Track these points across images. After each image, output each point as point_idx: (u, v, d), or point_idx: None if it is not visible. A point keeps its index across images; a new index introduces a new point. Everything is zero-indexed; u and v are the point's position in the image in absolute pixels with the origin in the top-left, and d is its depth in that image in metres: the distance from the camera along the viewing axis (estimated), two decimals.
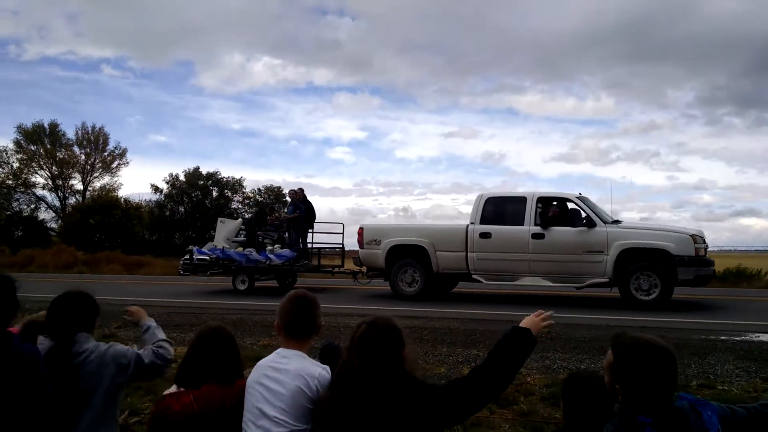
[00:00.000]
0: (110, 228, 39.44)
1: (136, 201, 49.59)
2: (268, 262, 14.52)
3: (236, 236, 16.04)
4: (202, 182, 52.30)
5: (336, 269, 16.22)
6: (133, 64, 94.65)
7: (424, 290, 12.62)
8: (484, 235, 12.01)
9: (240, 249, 15.02)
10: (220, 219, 16.46)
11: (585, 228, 11.26)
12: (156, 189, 51.67)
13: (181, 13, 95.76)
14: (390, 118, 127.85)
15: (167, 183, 51.81)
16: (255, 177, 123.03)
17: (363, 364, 2.15)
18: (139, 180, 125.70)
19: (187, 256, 15.58)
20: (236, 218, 16.17)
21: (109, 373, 2.57)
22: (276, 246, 15.37)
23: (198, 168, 52.75)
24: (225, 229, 15.94)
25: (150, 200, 51.53)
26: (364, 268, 14.07)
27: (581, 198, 11.83)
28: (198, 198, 51.86)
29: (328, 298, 11.93)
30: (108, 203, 42.49)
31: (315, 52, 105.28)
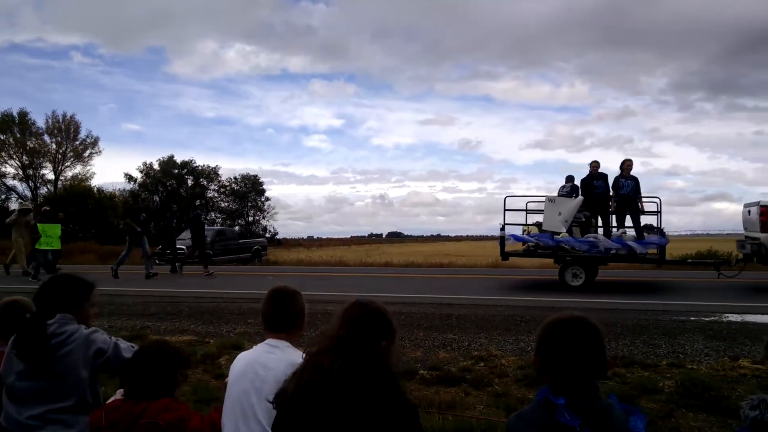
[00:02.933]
0: (83, 218, 38.85)
1: (110, 190, 48.91)
2: (626, 251, 11.61)
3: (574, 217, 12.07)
4: (176, 171, 51.83)
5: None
6: (104, 51, 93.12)
7: None
8: None
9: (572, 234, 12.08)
10: (548, 198, 12.38)
11: None
12: (130, 178, 51.13)
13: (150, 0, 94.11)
14: (366, 106, 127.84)
15: (141, 172, 51.29)
16: (231, 165, 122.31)
17: (350, 341, 1.98)
18: (112, 169, 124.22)
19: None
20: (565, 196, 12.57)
21: (88, 356, 2.57)
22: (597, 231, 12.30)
23: (172, 156, 52.28)
24: (560, 209, 11.88)
25: (124, 189, 50.94)
26: (738, 254, 12.21)
27: None
28: (173, 187, 51.39)
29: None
30: (81, 193, 41.81)
31: (289, 39, 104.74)
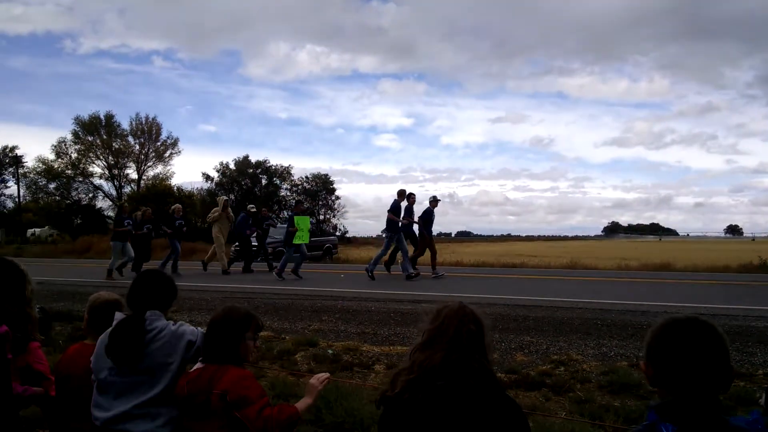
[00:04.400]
0: (164, 216, 40.47)
1: (189, 189, 50.81)
2: None
3: None
4: (251, 170, 53.24)
5: None
6: (183, 55, 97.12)
7: None
8: None
9: None
10: None
11: None
12: (207, 177, 52.95)
13: (226, 4, 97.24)
14: (435, 104, 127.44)
15: (218, 171, 52.99)
16: (302, 165, 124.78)
17: (456, 344, 2.09)
18: (190, 168, 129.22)
19: None
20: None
21: (180, 350, 2.63)
22: None
23: (247, 156, 53.76)
24: None
25: (201, 188, 52.82)
26: None
27: None
28: (248, 186, 52.83)
29: None
30: (161, 191, 43.61)
31: (359, 39, 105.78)
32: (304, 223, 14.52)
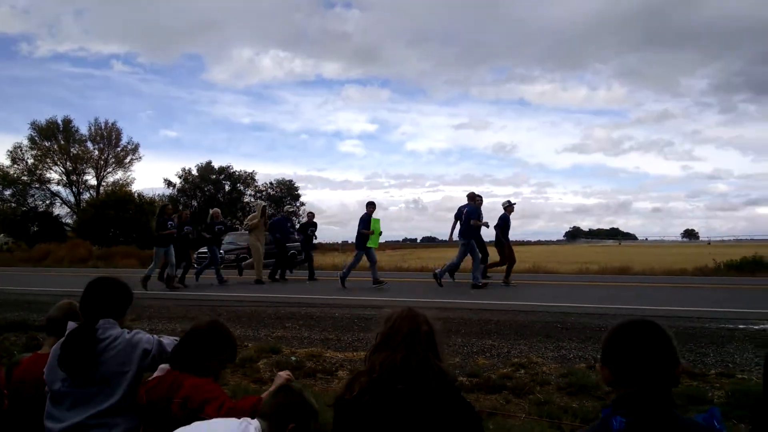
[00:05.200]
0: (125, 223, 39.70)
1: (150, 195, 49.89)
2: None
3: None
4: (214, 176, 52.64)
5: None
6: (143, 59, 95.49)
7: None
8: None
9: None
10: None
11: None
12: (169, 183, 52.21)
13: (188, 8, 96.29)
14: (400, 111, 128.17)
15: (180, 177, 52.27)
16: (266, 170, 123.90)
17: (409, 351, 2.10)
18: (151, 174, 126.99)
19: None
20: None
21: (135, 359, 2.59)
22: None
23: (210, 162, 53.21)
24: None
25: (163, 194, 51.95)
26: None
27: None
28: (210, 192, 52.23)
29: None
30: (122, 198, 42.74)
31: (323, 45, 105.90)
32: (377, 225, 13.51)
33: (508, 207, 13.80)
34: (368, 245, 13.27)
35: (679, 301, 10.36)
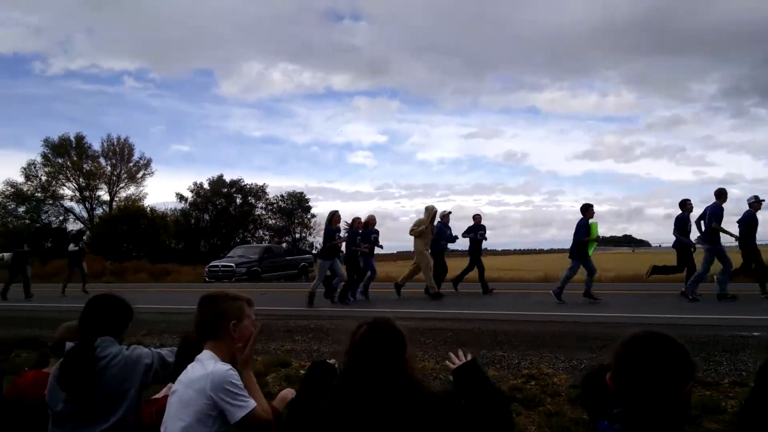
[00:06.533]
0: (137, 237, 39.95)
1: (162, 210, 50.22)
2: None
3: None
4: (225, 190, 52.79)
5: None
6: (154, 75, 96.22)
7: None
8: None
9: None
10: None
11: None
12: (181, 198, 52.36)
13: (198, 23, 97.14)
14: (409, 121, 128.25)
15: (191, 191, 52.45)
16: (277, 183, 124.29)
17: (363, 367, 2.02)
18: (164, 189, 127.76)
19: None
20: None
21: (137, 374, 2.57)
22: None
23: (221, 176, 53.32)
24: None
25: (175, 209, 52.21)
26: None
27: None
28: (222, 205, 52.35)
29: None
30: (134, 213, 43.05)
31: (332, 57, 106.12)
32: (596, 230, 11.80)
33: (756, 203, 11.49)
34: (589, 253, 11.70)
35: (692, 308, 10.23)
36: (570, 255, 11.91)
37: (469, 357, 2.38)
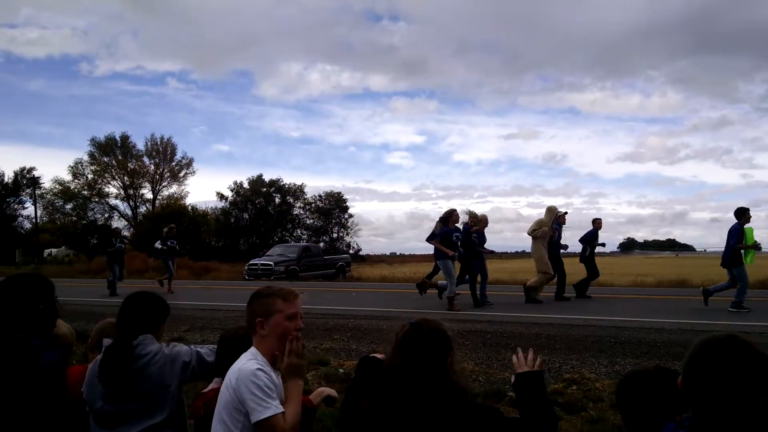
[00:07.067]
0: (179, 235, 40.73)
1: (203, 208, 51.17)
2: None
3: None
4: (265, 189, 53.46)
5: None
6: (196, 76, 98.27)
7: None
8: None
9: None
10: None
11: None
12: (221, 197, 53.28)
13: (238, 25, 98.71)
14: (447, 122, 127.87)
15: (232, 191, 53.30)
16: (315, 183, 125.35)
17: (402, 368, 1.99)
18: (204, 188, 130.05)
19: None
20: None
21: (176, 371, 2.59)
22: None
23: (261, 175, 54.06)
24: None
25: (216, 207, 53.15)
26: None
27: None
28: (261, 204, 53.04)
29: None
30: (176, 211, 43.93)
31: (370, 58, 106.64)
32: (752, 236, 10.55)
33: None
34: (746, 261, 10.55)
35: (740, 315, 9.91)
36: (722, 264, 10.68)
37: (537, 363, 2.28)
